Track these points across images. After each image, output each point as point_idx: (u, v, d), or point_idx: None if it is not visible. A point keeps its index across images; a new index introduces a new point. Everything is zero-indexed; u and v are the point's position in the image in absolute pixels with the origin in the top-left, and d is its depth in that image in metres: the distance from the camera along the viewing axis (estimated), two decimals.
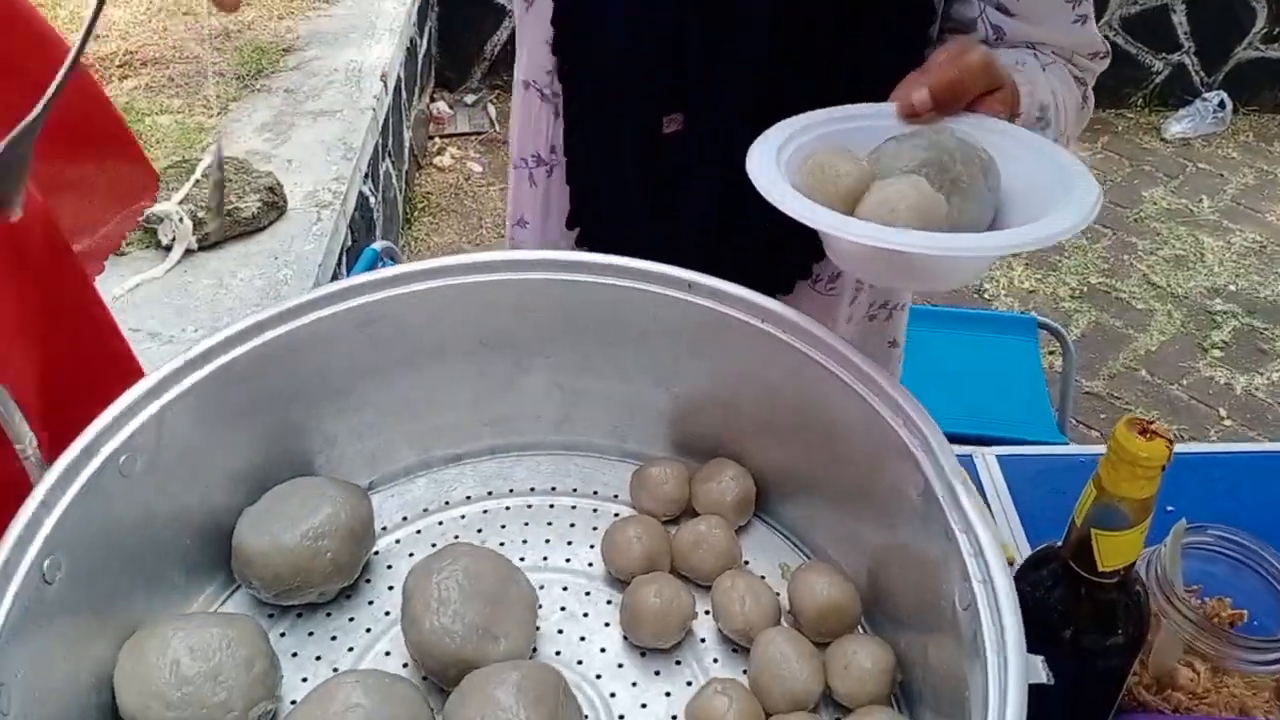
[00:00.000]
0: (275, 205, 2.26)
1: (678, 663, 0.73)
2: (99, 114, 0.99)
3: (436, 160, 3.62)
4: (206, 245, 2.17)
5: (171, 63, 2.87)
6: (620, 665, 0.72)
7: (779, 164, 0.70)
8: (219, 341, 0.73)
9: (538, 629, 0.72)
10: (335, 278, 2.23)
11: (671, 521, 0.81)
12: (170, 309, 2.03)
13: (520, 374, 0.84)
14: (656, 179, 0.96)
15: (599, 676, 0.71)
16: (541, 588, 0.75)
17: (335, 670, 0.71)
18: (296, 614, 0.75)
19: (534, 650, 0.72)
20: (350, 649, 0.73)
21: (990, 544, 0.58)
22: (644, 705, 0.70)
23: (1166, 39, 3.86)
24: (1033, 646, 0.56)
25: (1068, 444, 1.86)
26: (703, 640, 0.74)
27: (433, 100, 3.85)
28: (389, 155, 2.99)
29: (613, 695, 0.70)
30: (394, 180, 3.08)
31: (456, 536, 0.81)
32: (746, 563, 0.79)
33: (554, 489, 0.85)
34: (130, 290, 2.04)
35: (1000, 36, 0.88)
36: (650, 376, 0.82)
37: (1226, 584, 0.82)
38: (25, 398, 0.64)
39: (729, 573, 0.75)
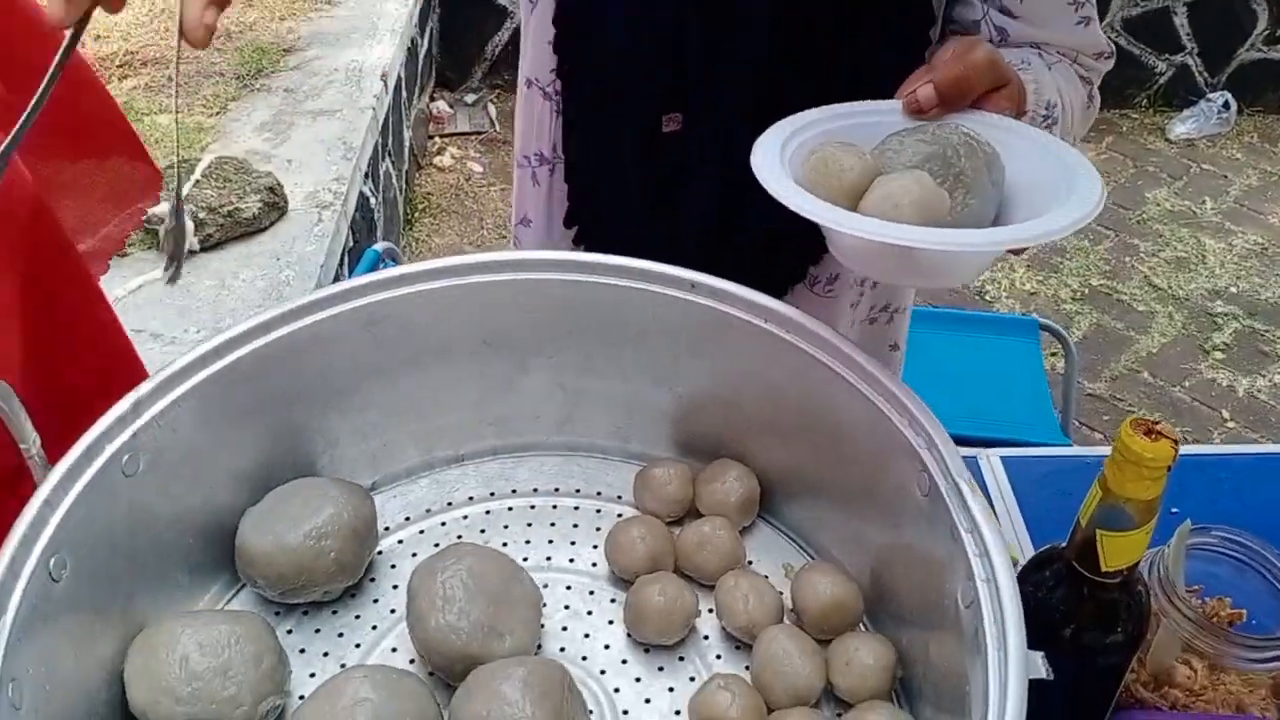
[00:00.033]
0: (276, 206, 2.27)
1: (681, 659, 0.73)
2: (102, 112, 0.99)
3: (437, 160, 3.62)
4: (208, 246, 2.17)
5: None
6: (624, 661, 0.73)
7: (783, 159, 0.70)
8: (223, 342, 0.73)
9: (542, 627, 0.72)
10: (337, 279, 2.24)
11: (675, 522, 0.81)
12: (172, 310, 2.03)
13: (523, 374, 0.84)
14: (656, 178, 0.96)
15: (603, 672, 0.72)
16: (545, 587, 0.75)
17: (342, 666, 0.71)
18: (303, 611, 0.75)
19: (539, 647, 0.72)
20: (357, 645, 0.73)
21: (995, 543, 0.59)
22: (648, 700, 0.70)
23: (1169, 40, 3.87)
24: (1033, 644, 0.56)
25: (1071, 446, 1.86)
26: (706, 637, 0.74)
27: (433, 100, 3.85)
28: (389, 155, 2.99)
29: (616, 690, 0.71)
30: (394, 180, 3.08)
31: (460, 536, 0.81)
32: (750, 563, 0.79)
33: (557, 489, 0.85)
34: (132, 291, 2.04)
35: (1004, 38, 0.89)
36: (653, 377, 0.83)
37: (1229, 584, 0.83)
38: (29, 396, 0.65)
39: (732, 572, 0.75)
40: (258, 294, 2.08)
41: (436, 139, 3.73)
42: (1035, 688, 0.54)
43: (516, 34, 3.82)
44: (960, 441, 0.67)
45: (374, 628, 0.74)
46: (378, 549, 0.79)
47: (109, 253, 1.03)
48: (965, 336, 2.06)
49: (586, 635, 0.74)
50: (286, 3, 3.24)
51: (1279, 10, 3.79)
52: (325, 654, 0.73)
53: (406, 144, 3.32)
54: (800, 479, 0.80)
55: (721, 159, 0.92)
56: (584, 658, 0.73)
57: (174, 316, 2.01)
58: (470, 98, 3.94)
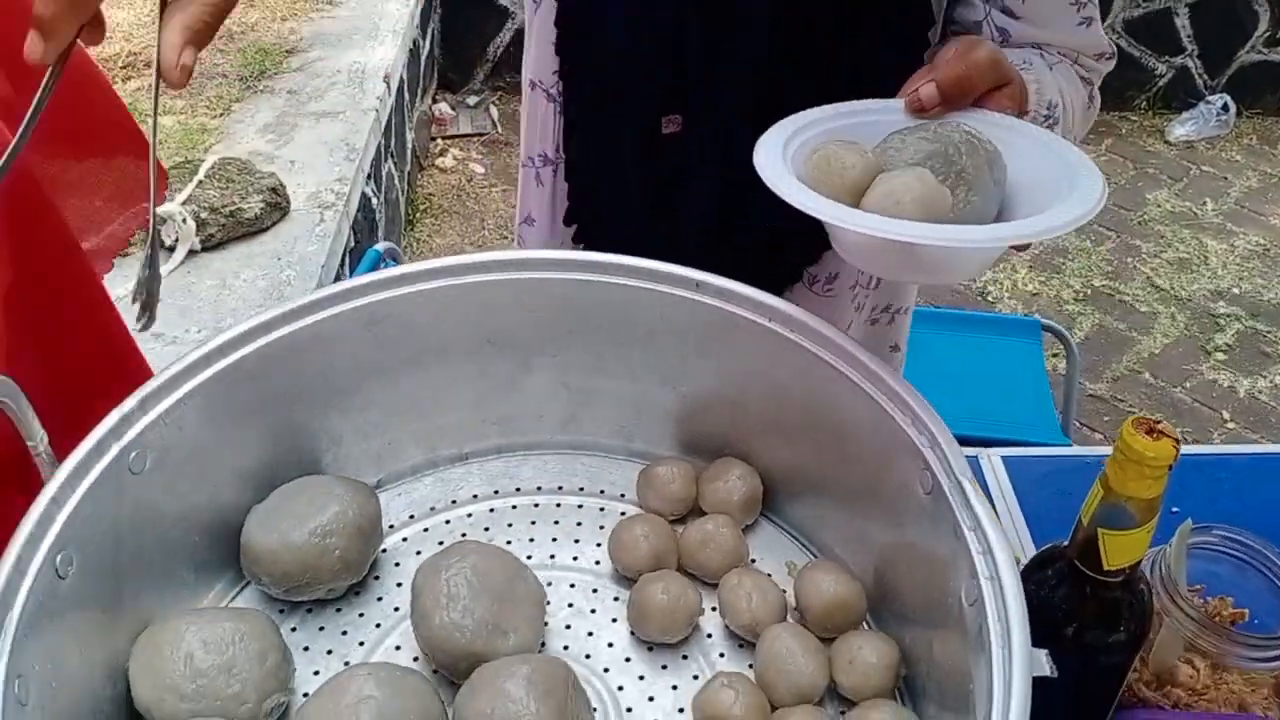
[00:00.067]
0: (278, 206, 2.27)
1: (684, 657, 0.73)
2: (108, 111, 0.99)
3: (439, 162, 3.62)
4: (210, 246, 2.18)
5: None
6: (628, 659, 0.73)
7: (786, 158, 0.71)
8: (227, 340, 0.73)
9: (546, 625, 0.73)
10: (338, 279, 2.24)
11: (678, 520, 0.81)
12: (173, 310, 2.03)
13: (526, 373, 0.84)
14: (656, 179, 0.96)
15: (606, 670, 0.72)
16: (549, 585, 0.75)
17: (346, 664, 0.71)
18: (306, 609, 0.75)
19: (542, 645, 0.72)
20: (361, 643, 0.73)
21: (998, 541, 0.59)
22: (651, 698, 0.70)
23: (1169, 42, 3.87)
24: (1036, 643, 0.56)
25: (1071, 446, 1.86)
26: (709, 635, 0.75)
27: (435, 102, 3.85)
28: (391, 156, 2.99)
29: (620, 688, 0.71)
30: (396, 181, 3.08)
31: (464, 535, 0.81)
32: (753, 561, 0.79)
33: (560, 488, 0.85)
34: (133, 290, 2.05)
35: (1006, 39, 0.89)
36: (657, 376, 0.83)
37: (1230, 584, 0.83)
38: (34, 394, 0.65)
39: (736, 570, 0.75)
40: (259, 294, 2.08)
41: (438, 140, 3.73)
42: (1039, 686, 0.55)
43: (518, 35, 3.86)
44: (961, 441, 0.67)
45: (378, 625, 0.74)
46: (382, 547, 0.79)
47: (113, 251, 1.03)
48: (967, 337, 2.07)
49: (590, 633, 0.74)
50: (288, 3, 3.24)
51: None
52: (329, 652, 0.73)
53: (409, 145, 3.33)
54: (803, 477, 0.80)
55: (722, 160, 0.93)
56: (587, 656, 0.73)
57: (175, 316, 2.02)
58: (472, 100, 3.95)
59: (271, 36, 3.07)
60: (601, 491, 0.85)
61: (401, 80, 3.11)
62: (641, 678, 0.72)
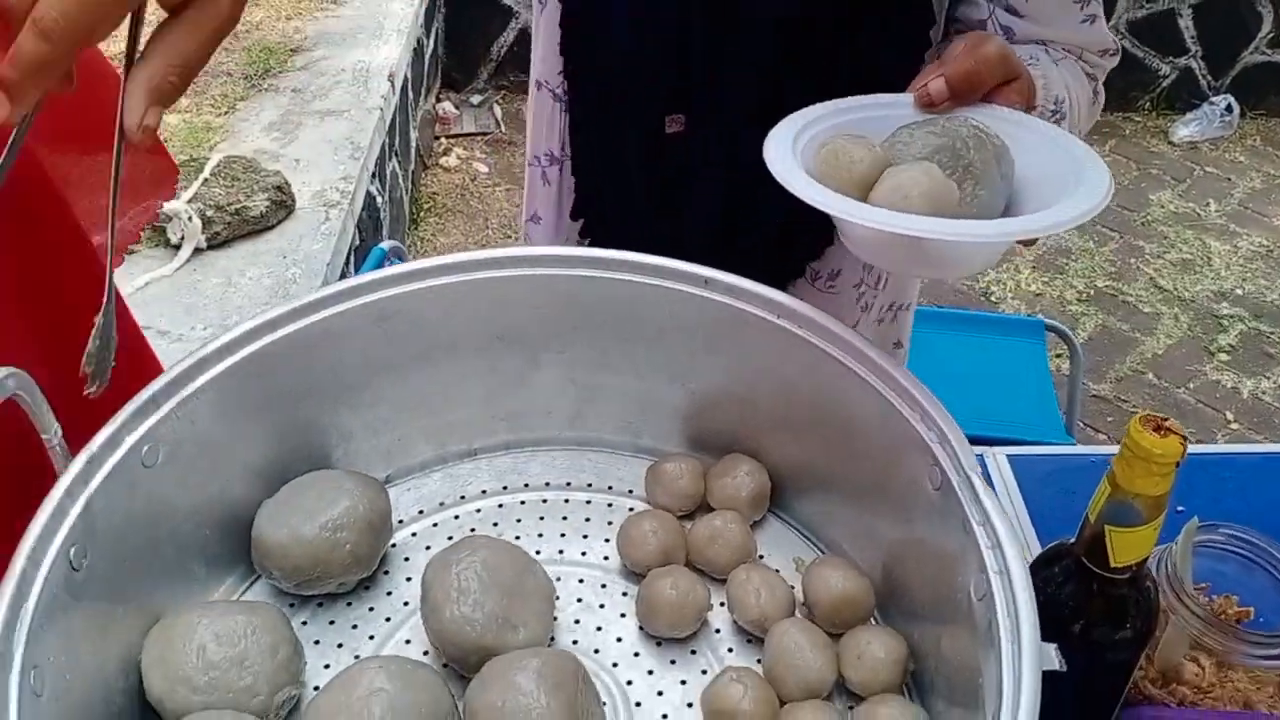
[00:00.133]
0: (283, 204, 2.28)
1: (693, 652, 0.73)
2: (118, 107, 0.99)
3: (442, 161, 3.63)
4: (215, 244, 2.18)
5: None
6: (636, 654, 0.73)
7: (795, 152, 0.71)
8: (239, 335, 0.74)
9: (555, 619, 0.73)
10: (343, 277, 2.24)
11: (686, 516, 0.81)
12: (179, 307, 2.04)
13: (534, 370, 0.85)
14: (660, 180, 0.97)
15: (615, 665, 0.72)
16: (558, 580, 0.75)
17: (357, 657, 0.72)
18: (317, 603, 0.75)
19: (552, 639, 0.72)
20: (371, 637, 0.73)
21: (1008, 536, 0.59)
22: (660, 693, 0.71)
23: (1173, 43, 3.87)
24: (1044, 639, 0.56)
25: (1075, 446, 1.86)
26: (717, 631, 0.75)
27: (439, 101, 3.86)
28: (396, 155, 3.00)
29: (629, 683, 0.71)
30: (400, 180, 3.09)
31: (472, 530, 0.81)
32: (761, 557, 0.80)
33: (569, 484, 0.85)
34: (139, 289, 2.05)
35: (1010, 37, 0.89)
36: (665, 372, 0.83)
37: (1236, 582, 0.83)
38: (47, 388, 0.65)
39: (744, 566, 0.75)
40: (264, 291, 2.09)
41: (442, 140, 3.74)
42: (1046, 682, 0.55)
43: (522, 35, 3.86)
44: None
45: (388, 619, 0.75)
46: (391, 542, 0.79)
47: (123, 247, 1.03)
48: (971, 337, 2.07)
49: (599, 628, 0.75)
50: (292, 2, 3.25)
51: None
52: (339, 645, 0.73)
53: (413, 144, 3.33)
54: (811, 474, 0.80)
55: (725, 160, 0.93)
56: (596, 650, 0.73)
57: (181, 314, 2.02)
58: (476, 99, 3.95)
59: (276, 35, 3.08)
60: (610, 487, 0.85)
61: (406, 79, 3.12)
62: (650, 672, 0.72)
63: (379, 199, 2.73)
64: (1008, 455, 1.09)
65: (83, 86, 0.60)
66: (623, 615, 0.75)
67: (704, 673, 0.72)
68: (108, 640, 0.64)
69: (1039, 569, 0.70)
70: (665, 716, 0.69)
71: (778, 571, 0.76)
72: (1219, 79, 3.93)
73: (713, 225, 0.96)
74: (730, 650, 0.74)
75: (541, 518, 0.83)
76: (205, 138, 2.54)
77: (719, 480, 0.81)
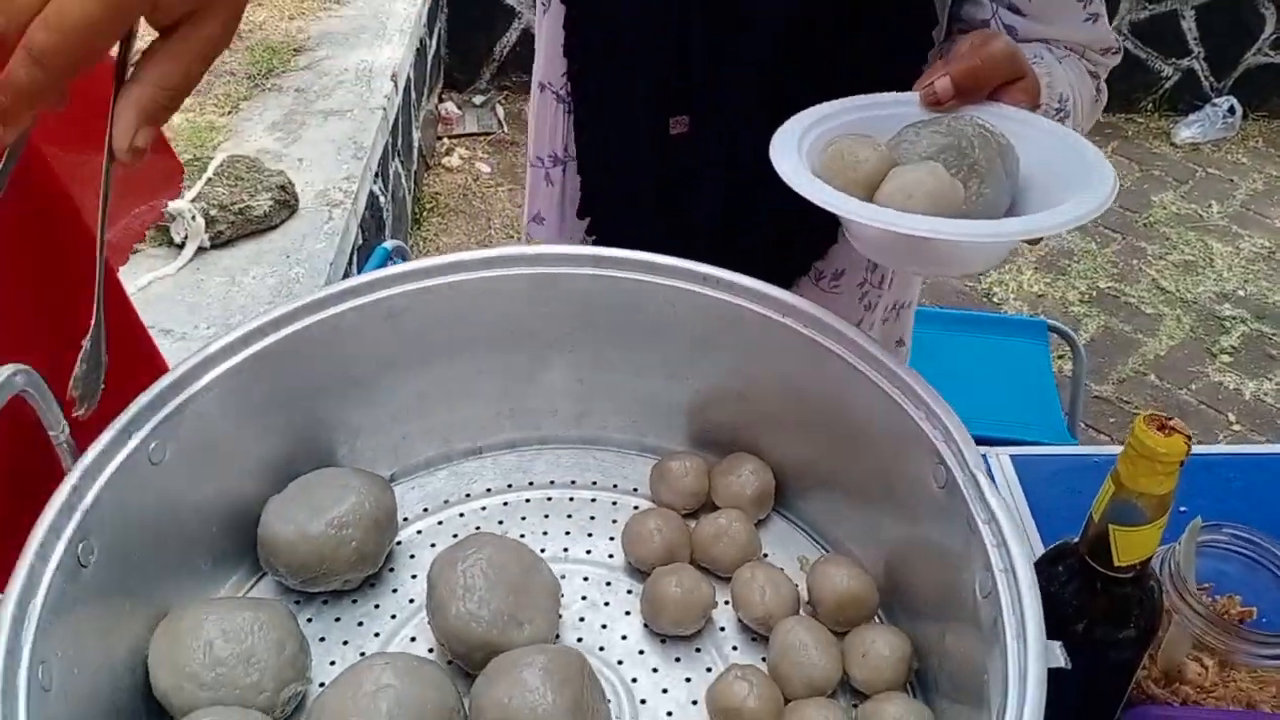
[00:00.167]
0: (287, 204, 2.28)
1: (698, 650, 0.74)
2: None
3: (445, 161, 3.63)
4: (219, 243, 2.19)
5: None
6: (641, 652, 0.73)
7: (801, 151, 0.71)
8: (247, 332, 0.74)
9: (560, 617, 0.73)
10: (346, 276, 2.25)
11: (690, 515, 0.82)
12: (183, 306, 2.04)
13: (540, 368, 0.85)
14: (664, 180, 0.97)
15: (620, 662, 0.72)
16: (563, 578, 0.76)
17: (362, 654, 0.72)
18: (322, 600, 0.76)
19: (557, 637, 0.72)
20: (376, 634, 0.74)
21: (1013, 534, 0.59)
22: (665, 690, 0.71)
23: (1176, 44, 3.87)
24: (1047, 637, 0.56)
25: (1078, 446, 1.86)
26: (722, 629, 0.75)
27: (441, 101, 3.86)
28: (398, 155, 3.00)
29: (634, 680, 0.71)
30: (403, 180, 3.09)
31: (478, 527, 0.81)
32: (765, 556, 0.80)
33: (573, 482, 0.86)
34: (143, 288, 2.06)
35: (1013, 36, 0.89)
36: (670, 371, 0.83)
37: (1239, 582, 0.83)
38: (55, 385, 0.65)
39: (749, 564, 0.75)
40: (268, 291, 2.09)
41: (444, 140, 3.74)
42: (1050, 680, 0.55)
43: (524, 35, 3.87)
44: None
45: (393, 617, 0.75)
46: (397, 539, 0.79)
47: (129, 245, 1.03)
48: (974, 337, 2.07)
49: (604, 626, 0.75)
50: (295, 2, 3.26)
51: None
52: (345, 642, 0.73)
53: (415, 144, 3.33)
54: (815, 473, 0.80)
55: (726, 160, 0.93)
56: (601, 648, 0.73)
57: (184, 313, 2.03)
58: (478, 99, 3.96)
59: (279, 35, 3.08)
60: (614, 486, 0.85)
61: (408, 79, 3.13)
62: (655, 670, 0.72)
63: (382, 199, 2.73)
64: (1011, 455, 1.09)
65: (91, 85, 0.60)
66: (627, 613, 0.76)
67: (709, 670, 0.72)
68: (114, 636, 0.65)
69: (1043, 568, 0.70)
70: (670, 714, 0.70)
71: (782, 570, 0.76)
72: (1221, 80, 3.93)
73: (713, 225, 0.96)
74: (735, 648, 0.74)
75: (546, 516, 0.83)
76: (209, 137, 2.55)
77: (723, 479, 0.81)
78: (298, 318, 0.76)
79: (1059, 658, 0.55)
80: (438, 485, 0.85)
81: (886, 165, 0.70)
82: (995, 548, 0.60)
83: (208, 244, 2.16)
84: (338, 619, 0.75)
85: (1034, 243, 0.75)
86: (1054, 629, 0.57)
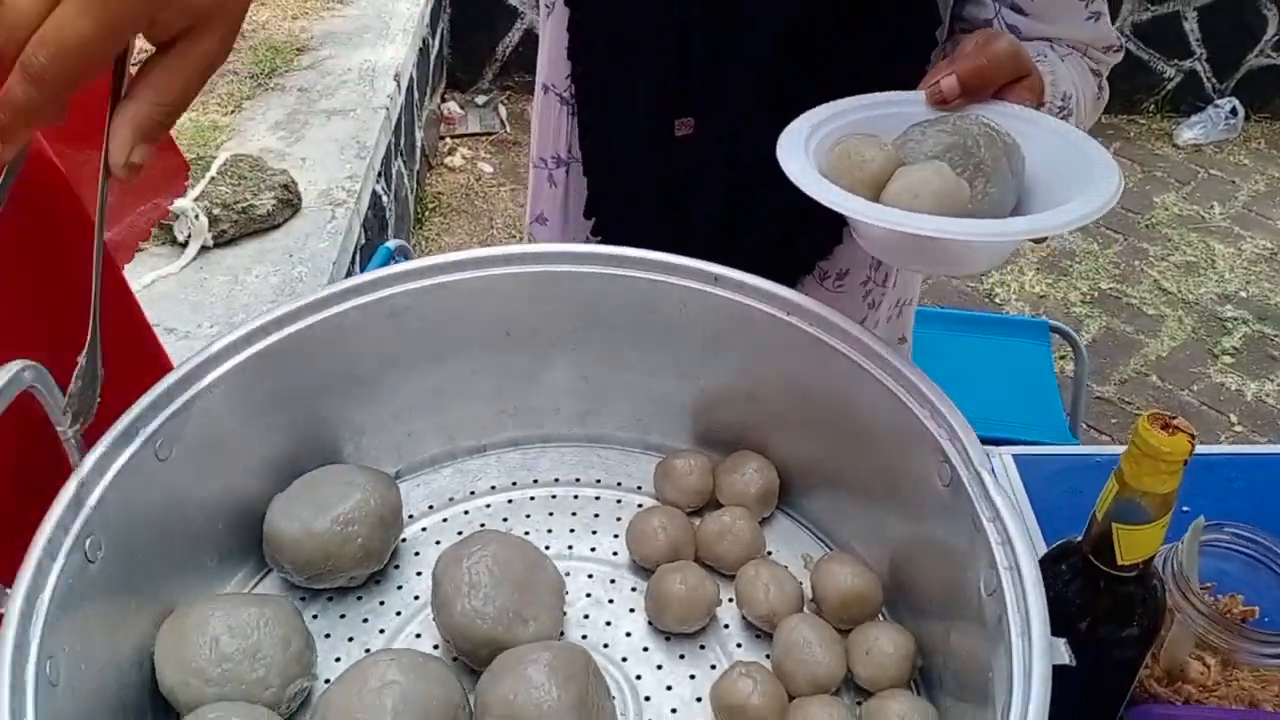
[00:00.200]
0: (290, 203, 2.28)
1: (702, 647, 0.74)
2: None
3: (447, 160, 3.64)
4: (222, 242, 2.19)
5: None
6: (645, 649, 0.73)
7: (807, 151, 0.72)
8: (252, 330, 0.74)
9: (564, 614, 0.73)
10: (349, 275, 2.25)
11: (694, 513, 0.82)
12: (186, 305, 2.04)
13: (544, 366, 0.85)
14: (667, 181, 0.97)
15: (625, 659, 0.73)
16: (567, 575, 0.76)
17: (367, 651, 0.72)
18: (328, 597, 0.76)
19: (562, 634, 0.73)
20: (381, 631, 0.74)
21: (1018, 531, 0.59)
22: (669, 687, 0.71)
23: (1178, 45, 3.88)
24: (1051, 635, 0.57)
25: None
26: (726, 626, 0.75)
27: (443, 100, 3.87)
28: (401, 155, 3.00)
29: (638, 677, 0.72)
30: (405, 180, 3.10)
31: (482, 525, 0.82)
32: (769, 554, 0.80)
33: (578, 480, 0.86)
34: (146, 286, 2.06)
35: (1016, 35, 0.90)
36: (674, 369, 0.83)
37: (1241, 581, 0.83)
38: (61, 381, 0.66)
39: (753, 562, 0.76)
40: (271, 290, 2.09)
41: (447, 139, 3.74)
42: (1055, 678, 0.55)
43: (527, 35, 3.87)
44: None
45: (398, 613, 0.75)
46: (402, 536, 0.79)
47: (133, 244, 1.04)
48: (976, 338, 2.07)
49: (608, 623, 0.75)
50: (298, 1, 3.26)
51: None
52: (350, 639, 0.73)
53: (418, 144, 3.34)
54: (820, 471, 0.80)
55: (726, 161, 0.94)
56: (606, 645, 0.74)
57: (187, 312, 2.03)
58: (481, 99, 3.96)
59: (282, 35, 3.08)
60: (618, 484, 0.85)
61: (411, 79, 3.13)
62: (659, 667, 0.72)
63: (384, 198, 2.73)
64: (1013, 455, 1.09)
65: (98, 83, 0.60)
66: (632, 610, 0.76)
67: (713, 667, 0.72)
68: (121, 632, 0.65)
69: (1046, 567, 0.70)
70: (674, 711, 0.70)
71: (786, 568, 0.76)
72: (1224, 82, 3.93)
73: (714, 225, 0.97)
74: (739, 645, 0.74)
75: (551, 513, 0.83)
76: (212, 136, 2.55)
77: (728, 477, 0.81)
78: (301, 316, 0.76)
79: (1064, 655, 0.55)
80: (442, 483, 0.85)
81: (893, 164, 0.71)
82: (1000, 545, 0.60)
83: (211, 243, 2.16)
84: (343, 616, 0.75)
85: (1040, 241, 0.75)
86: (1057, 627, 0.57)
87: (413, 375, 0.83)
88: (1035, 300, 3.09)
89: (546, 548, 0.79)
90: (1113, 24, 0.93)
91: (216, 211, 2.17)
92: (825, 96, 0.78)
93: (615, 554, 0.80)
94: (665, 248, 0.81)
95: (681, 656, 0.73)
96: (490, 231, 3.34)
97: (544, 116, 1.03)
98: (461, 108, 3.88)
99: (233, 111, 2.70)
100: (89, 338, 0.60)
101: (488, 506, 0.83)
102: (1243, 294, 3.14)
